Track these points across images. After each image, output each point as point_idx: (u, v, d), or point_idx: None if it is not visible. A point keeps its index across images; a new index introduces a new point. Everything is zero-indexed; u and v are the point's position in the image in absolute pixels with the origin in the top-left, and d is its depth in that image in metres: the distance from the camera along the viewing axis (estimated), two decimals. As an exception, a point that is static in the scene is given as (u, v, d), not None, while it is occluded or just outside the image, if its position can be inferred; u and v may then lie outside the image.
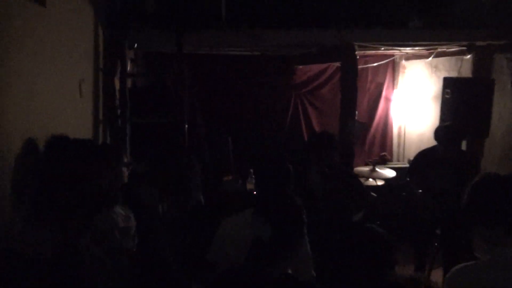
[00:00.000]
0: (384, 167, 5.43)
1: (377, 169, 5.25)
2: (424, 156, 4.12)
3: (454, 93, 4.29)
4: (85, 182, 1.30)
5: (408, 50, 5.45)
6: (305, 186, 3.47)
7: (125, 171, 2.84)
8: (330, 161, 3.63)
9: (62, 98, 2.93)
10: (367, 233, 1.73)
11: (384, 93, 6.44)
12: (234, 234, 2.24)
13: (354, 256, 1.67)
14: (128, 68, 4.40)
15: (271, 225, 1.66)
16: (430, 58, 5.39)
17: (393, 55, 6.13)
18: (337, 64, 5.60)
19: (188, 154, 3.45)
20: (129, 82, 4.46)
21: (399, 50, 5.51)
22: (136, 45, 4.47)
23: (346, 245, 1.74)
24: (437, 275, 3.97)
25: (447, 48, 4.97)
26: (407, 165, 4.95)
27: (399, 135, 6.54)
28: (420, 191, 4.14)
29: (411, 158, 4.56)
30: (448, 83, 4.49)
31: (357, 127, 4.53)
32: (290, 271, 1.78)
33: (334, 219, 3.38)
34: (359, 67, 4.75)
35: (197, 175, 4.05)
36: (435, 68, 5.67)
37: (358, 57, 4.53)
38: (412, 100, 6.15)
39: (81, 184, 1.37)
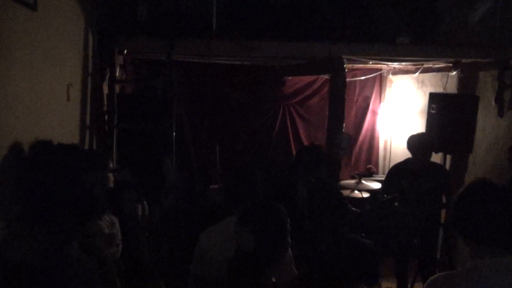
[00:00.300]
0: (370, 179, 5.48)
1: (363, 181, 5.29)
2: (397, 168, 4.20)
3: (439, 108, 4.36)
4: (72, 188, 1.29)
5: (395, 65, 5.54)
6: (291, 198, 3.47)
7: (111, 177, 2.81)
8: (318, 175, 3.65)
9: (49, 101, 2.91)
10: (352, 244, 1.74)
11: (371, 107, 6.52)
12: (215, 244, 2.22)
13: (338, 266, 1.67)
14: (117, 74, 4.38)
15: (254, 237, 1.65)
16: (417, 74, 5.48)
17: (380, 69, 6.21)
18: (326, 76, 5.66)
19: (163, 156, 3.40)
20: (117, 88, 4.44)
21: (387, 64, 5.59)
22: (125, 51, 4.47)
23: (331, 255, 1.74)
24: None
25: (434, 64, 5.07)
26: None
27: (385, 148, 6.60)
28: (396, 203, 4.21)
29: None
30: (434, 98, 4.56)
31: (344, 140, 4.57)
32: (273, 278, 1.77)
33: (318, 232, 3.39)
34: (347, 80, 4.80)
35: (171, 174, 4.05)
36: (422, 83, 5.76)
37: (346, 70, 4.59)
38: (399, 114, 6.23)
39: (67, 189, 1.36)
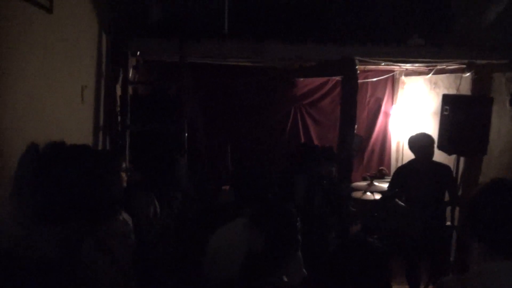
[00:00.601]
0: (382, 181, 5.45)
1: (374, 183, 5.26)
2: (402, 169, 4.30)
3: (453, 110, 4.32)
4: (91, 188, 1.31)
5: (408, 66, 5.50)
6: (291, 196, 3.49)
7: (125, 177, 2.84)
8: (314, 172, 3.66)
9: (64, 103, 2.95)
10: (362, 246, 1.71)
11: (383, 108, 6.48)
12: (226, 245, 2.23)
13: (349, 270, 1.64)
14: (130, 76, 4.43)
15: (265, 238, 1.66)
16: (430, 75, 5.44)
17: (393, 71, 6.18)
18: (338, 77, 5.65)
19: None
20: (130, 89, 4.48)
21: (399, 66, 5.56)
22: (138, 53, 4.51)
23: (340, 258, 1.72)
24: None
25: (447, 66, 5.02)
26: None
27: (397, 149, 6.56)
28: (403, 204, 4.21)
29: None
30: (447, 100, 4.52)
31: (356, 141, 4.55)
32: (285, 277, 1.77)
33: (319, 233, 3.40)
34: (359, 81, 4.79)
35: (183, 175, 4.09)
36: (435, 84, 5.71)
37: (358, 71, 4.57)
38: (411, 115, 6.18)
39: (85, 189, 1.38)
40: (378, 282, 1.63)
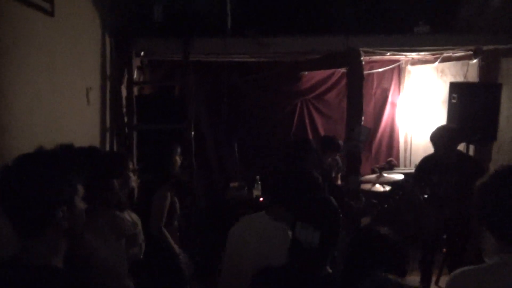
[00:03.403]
0: (391, 172, 5.41)
1: (384, 174, 5.23)
2: (428, 161, 4.08)
3: (461, 98, 4.27)
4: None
5: (414, 55, 5.44)
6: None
7: (133, 177, 2.84)
8: (303, 166, 3.61)
9: (70, 105, 2.96)
10: (379, 238, 1.69)
11: (390, 99, 6.43)
12: (248, 240, 2.24)
13: (364, 262, 1.62)
14: (135, 76, 4.43)
15: (321, 233, 1.69)
16: (436, 63, 5.38)
17: (399, 60, 6.12)
18: (343, 69, 5.61)
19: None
20: (135, 90, 4.48)
21: (405, 55, 5.50)
22: (142, 53, 4.51)
23: (356, 250, 1.71)
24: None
25: (453, 53, 4.96)
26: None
27: (405, 140, 6.51)
28: (426, 196, 4.13)
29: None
30: (454, 88, 4.47)
31: (364, 133, 4.51)
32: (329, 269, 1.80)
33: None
34: (365, 72, 4.74)
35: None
36: (441, 72, 5.65)
37: (364, 62, 4.53)
38: (419, 105, 6.13)
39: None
40: (395, 272, 1.60)
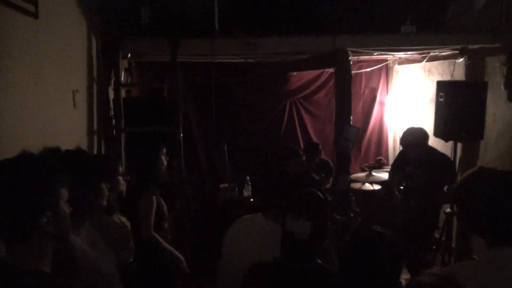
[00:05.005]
0: (381, 171, 5.43)
1: (373, 173, 5.25)
2: (402, 154, 4.38)
3: (447, 97, 4.30)
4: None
5: (401, 54, 5.48)
6: None
7: (121, 181, 2.82)
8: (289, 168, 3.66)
9: (55, 109, 2.92)
10: (378, 237, 1.69)
11: (378, 98, 6.47)
12: (245, 239, 2.26)
13: (365, 262, 1.62)
14: (122, 78, 4.39)
15: (312, 223, 1.75)
16: (423, 62, 5.42)
17: (386, 60, 6.16)
18: (331, 70, 5.63)
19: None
20: (123, 92, 4.45)
21: (392, 55, 5.54)
22: (130, 55, 4.47)
23: (354, 249, 1.71)
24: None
25: (440, 52, 5.00)
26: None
27: (394, 139, 6.55)
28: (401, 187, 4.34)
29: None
30: (441, 86, 4.50)
31: (353, 133, 4.53)
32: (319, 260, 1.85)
33: None
34: (353, 72, 4.77)
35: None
36: (429, 71, 5.70)
37: (352, 62, 4.55)
38: (407, 104, 6.17)
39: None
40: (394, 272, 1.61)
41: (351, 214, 4.66)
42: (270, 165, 3.71)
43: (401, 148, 4.42)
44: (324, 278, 1.77)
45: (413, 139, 4.10)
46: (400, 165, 4.37)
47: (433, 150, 4.23)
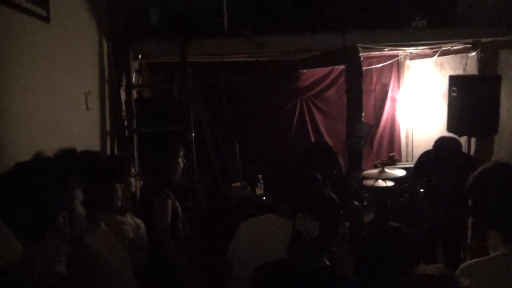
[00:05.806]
0: (394, 167, 5.39)
1: (386, 170, 5.21)
2: (426, 159, 4.13)
3: (460, 91, 4.25)
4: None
5: (412, 49, 5.43)
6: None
7: (133, 182, 2.84)
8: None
9: (68, 111, 2.96)
10: (393, 231, 1.68)
11: (390, 94, 6.42)
12: (256, 237, 2.27)
13: (381, 256, 1.62)
14: (133, 79, 4.43)
15: (321, 224, 1.74)
16: (435, 57, 5.37)
17: (397, 55, 6.11)
18: (342, 66, 5.60)
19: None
20: (134, 93, 4.48)
21: (403, 50, 5.49)
22: (140, 56, 4.50)
23: (371, 245, 1.70)
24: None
25: (452, 46, 4.94)
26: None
27: (407, 135, 6.50)
28: (422, 190, 4.19)
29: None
30: (454, 81, 4.45)
31: (364, 129, 4.50)
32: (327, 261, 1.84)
33: None
34: (364, 68, 4.73)
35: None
36: (440, 66, 5.63)
37: (362, 58, 4.52)
38: (419, 99, 6.11)
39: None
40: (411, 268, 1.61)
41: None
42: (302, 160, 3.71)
43: (420, 151, 4.25)
44: (328, 279, 1.76)
45: (452, 150, 3.85)
46: (424, 170, 4.12)
47: (458, 151, 4.02)
